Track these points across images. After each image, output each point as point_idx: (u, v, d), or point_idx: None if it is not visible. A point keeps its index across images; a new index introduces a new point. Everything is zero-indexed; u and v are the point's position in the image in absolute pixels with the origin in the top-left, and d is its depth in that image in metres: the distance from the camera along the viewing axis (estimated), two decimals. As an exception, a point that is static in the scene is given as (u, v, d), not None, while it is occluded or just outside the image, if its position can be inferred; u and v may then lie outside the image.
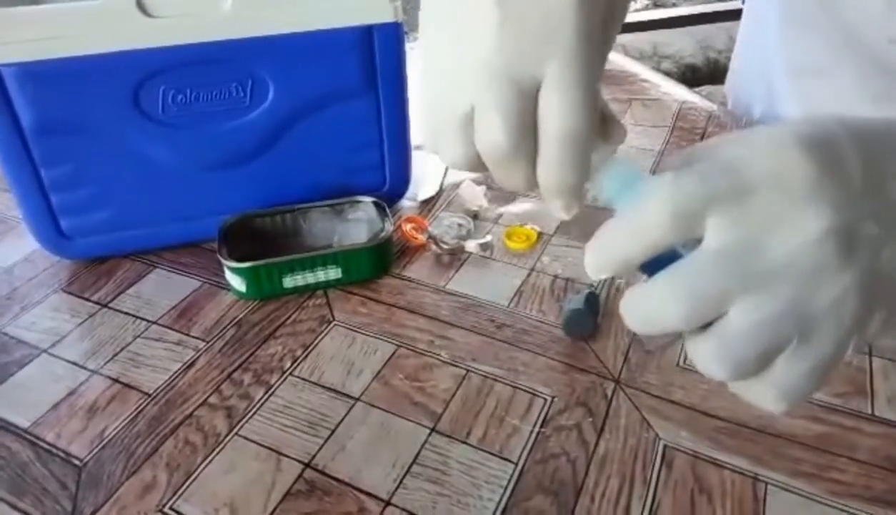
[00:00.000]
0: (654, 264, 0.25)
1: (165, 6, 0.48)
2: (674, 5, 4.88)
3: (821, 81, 0.63)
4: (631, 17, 4.37)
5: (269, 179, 0.56)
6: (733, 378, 0.24)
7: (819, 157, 0.23)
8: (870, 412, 0.40)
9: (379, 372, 0.44)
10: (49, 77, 0.47)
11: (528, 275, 0.53)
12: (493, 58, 0.26)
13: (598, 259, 0.26)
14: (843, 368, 0.43)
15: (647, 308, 0.24)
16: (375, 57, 0.53)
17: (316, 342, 0.47)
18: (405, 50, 0.55)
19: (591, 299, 0.47)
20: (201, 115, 0.51)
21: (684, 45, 4.06)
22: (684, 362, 0.44)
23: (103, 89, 0.49)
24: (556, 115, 0.25)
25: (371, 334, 0.47)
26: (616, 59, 0.90)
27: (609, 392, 0.42)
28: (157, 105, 0.50)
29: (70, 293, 0.53)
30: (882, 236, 0.23)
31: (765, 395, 0.25)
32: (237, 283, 0.50)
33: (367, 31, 0.52)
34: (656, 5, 5.00)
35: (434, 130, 0.29)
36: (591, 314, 0.47)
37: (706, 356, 0.24)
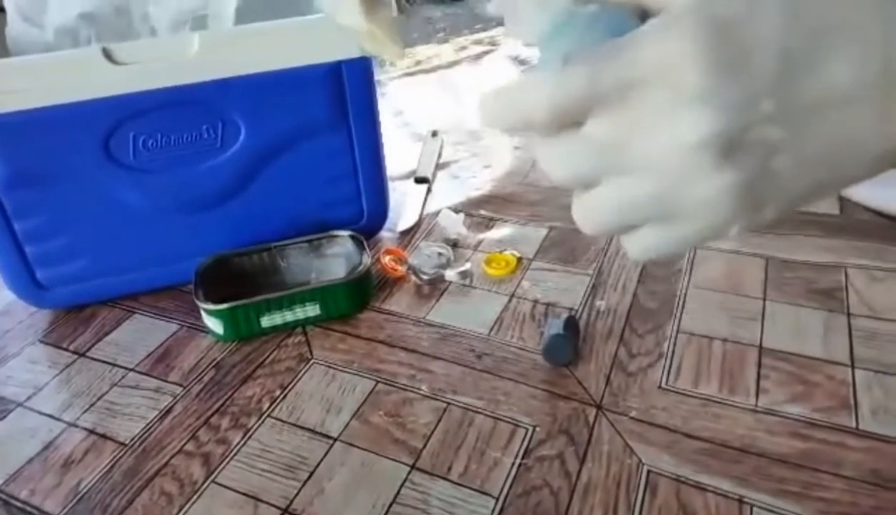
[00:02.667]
0: None
1: (132, 53, 0.48)
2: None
3: None
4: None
5: (246, 218, 0.56)
6: (596, 235, 0.26)
7: (720, 50, 0.20)
8: (854, 425, 0.39)
9: (358, 410, 0.43)
10: (19, 128, 0.47)
11: (509, 301, 0.53)
12: None
13: (484, 112, 0.25)
14: (826, 382, 0.42)
15: (543, 163, 0.25)
16: (345, 91, 0.53)
17: (294, 381, 0.46)
18: (375, 83, 0.55)
19: (571, 324, 0.47)
20: (173, 158, 0.51)
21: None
22: (666, 383, 0.44)
23: (74, 138, 0.49)
24: None
25: (350, 370, 0.47)
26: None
27: (591, 418, 0.42)
28: (129, 151, 0.50)
29: (48, 344, 0.52)
30: (783, 140, 0.21)
31: (628, 246, 0.26)
32: (214, 325, 0.50)
33: (336, 67, 0.52)
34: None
35: None
36: (572, 340, 0.46)
37: (576, 213, 0.26)
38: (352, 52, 0.52)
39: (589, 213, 0.25)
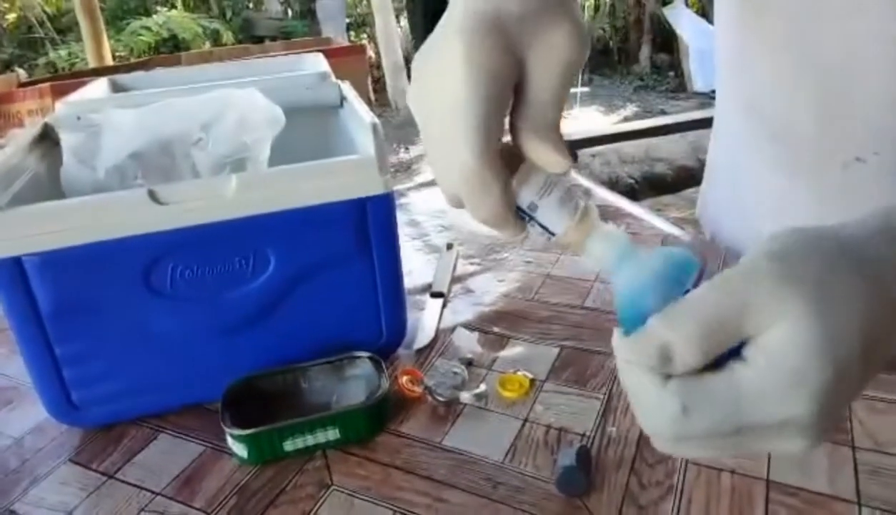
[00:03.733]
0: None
1: (175, 194, 0.52)
2: (662, 112, 5.14)
3: (781, 209, 0.66)
4: (622, 126, 4.58)
5: (271, 341, 0.58)
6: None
7: (823, 411, 0.27)
8: (863, 569, 0.40)
9: (376, 543, 0.45)
10: (67, 263, 0.51)
11: (522, 426, 0.54)
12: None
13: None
14: (834, 521, 0.43)
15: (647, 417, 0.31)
16: (368, 225, 0.57)
17: (315, 509, 0.48)
18: (395, 216, 0.59)
19: (583, 454, 0.48)
20: (206, 287, 0.55)
21: (676, 148, 4.24)
22: (677, 518, 0.45)
23: (117, 271, 0.52)
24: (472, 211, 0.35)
25: (368, 498, 0.48)
26: (602, 195, 0.95)
27: (604, 555, 0.43)
28: (167, 282, 0.54)
29: (78, 464, 0.54)
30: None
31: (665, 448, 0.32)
32: (239, 449, 0.52)
33: (361, 203, 0.56)
34: (645, 112, 5.25)
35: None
36: (584, 471, 0.47)
37: (660, 446, 0.32)
38: (375, 189, 0.56)
39: (678, 453, 0.33)
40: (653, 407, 0.29)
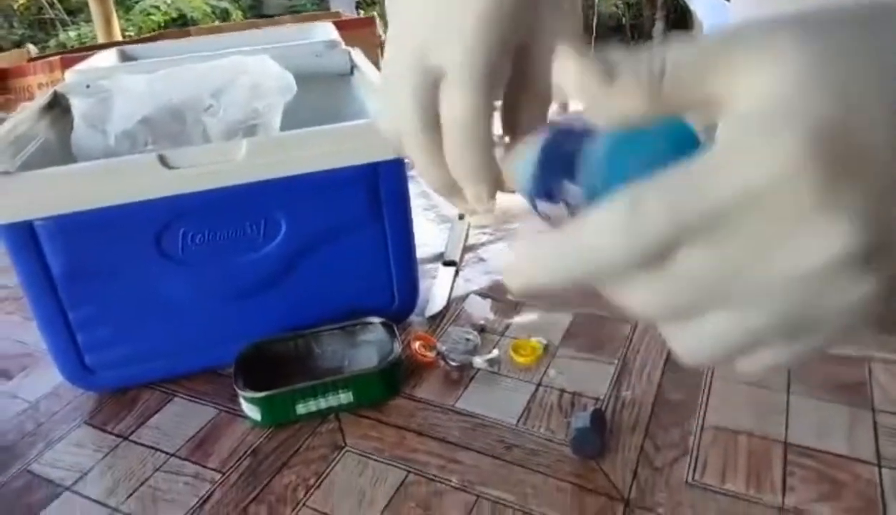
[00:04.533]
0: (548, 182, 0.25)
1: (185, 158, 0.52)
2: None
3: None
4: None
5: (283, 306, 0.58)
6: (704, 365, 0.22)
7: (833, 153, 0.17)
8: (882, 529, 0.40)
9: (389, 502, 0.45)
10: (78, 228, 0.51)
11: (536, 390, 0.54)
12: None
13: (530, 270, 0.21)
14: (853, 481, 0.43)
15: (626, 302, 0.21)
16: (380, 191, 0.57)
17: (328, 470, 0.48)
18: (407, 181, 0.58)
19: (597, 417, 0.48)
20: (217, 252, 0.55)
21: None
22: (692, 479, 0.44)
23: (128, 236, 0.52)
24: (450, 106, 0.27)
25: (382, 459, 0.48)
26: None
27: (619, 514, 0.42)
28: (178, 246, 0.54)
29: (93, 426, 0.55)
30: None
31: (739, 368, 0.21)
32: (252, 412, 0.52)
33: (373, 169, 0.56)
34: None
35: (391, 82, 0.29)
36: (598, 433, 0.47)
37: (678, 346, 0.21)
38: (387, 155, 0.56)
39: (699, 347, 0.21)
40: (597, 225, 0.19)
